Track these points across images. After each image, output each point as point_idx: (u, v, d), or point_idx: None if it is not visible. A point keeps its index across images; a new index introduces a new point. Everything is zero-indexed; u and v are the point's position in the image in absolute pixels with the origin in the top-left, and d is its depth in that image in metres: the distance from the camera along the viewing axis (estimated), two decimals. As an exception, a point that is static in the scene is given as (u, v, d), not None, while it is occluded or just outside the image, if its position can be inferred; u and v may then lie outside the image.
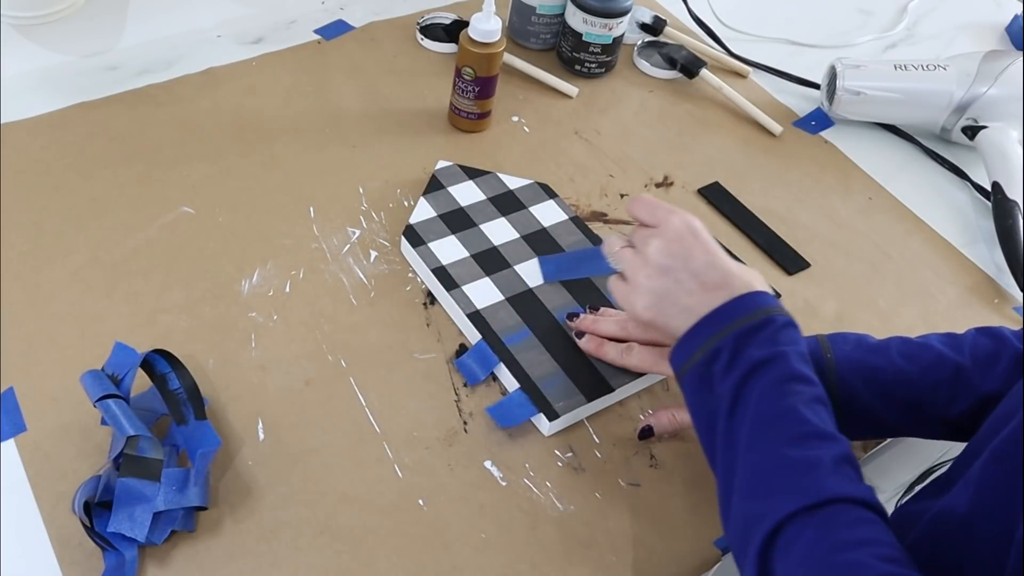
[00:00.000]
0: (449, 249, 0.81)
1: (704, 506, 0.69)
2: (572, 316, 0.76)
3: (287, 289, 0.78)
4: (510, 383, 0.73)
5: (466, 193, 0.86)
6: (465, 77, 0.90)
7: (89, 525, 0.59)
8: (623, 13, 1.00)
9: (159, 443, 0.62)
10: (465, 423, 0.71)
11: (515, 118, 0.98)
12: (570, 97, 1.02)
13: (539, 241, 0.83)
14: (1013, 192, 0.95)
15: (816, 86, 1.09)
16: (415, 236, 0.81)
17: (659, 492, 0.69)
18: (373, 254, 0.81)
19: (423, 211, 0.84)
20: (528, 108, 1.00)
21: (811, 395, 0.58)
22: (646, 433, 0.72)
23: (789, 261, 0.89)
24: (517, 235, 0.83)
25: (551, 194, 0.88)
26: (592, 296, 0.79)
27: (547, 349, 0.75)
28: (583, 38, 1.01)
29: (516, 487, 0.68)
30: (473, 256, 0.81)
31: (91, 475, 0.61)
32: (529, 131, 0.97)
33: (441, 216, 0.83)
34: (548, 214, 0.86)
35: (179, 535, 0.62)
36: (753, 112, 1.03)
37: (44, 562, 0.60)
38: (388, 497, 0.66)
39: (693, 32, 1.14)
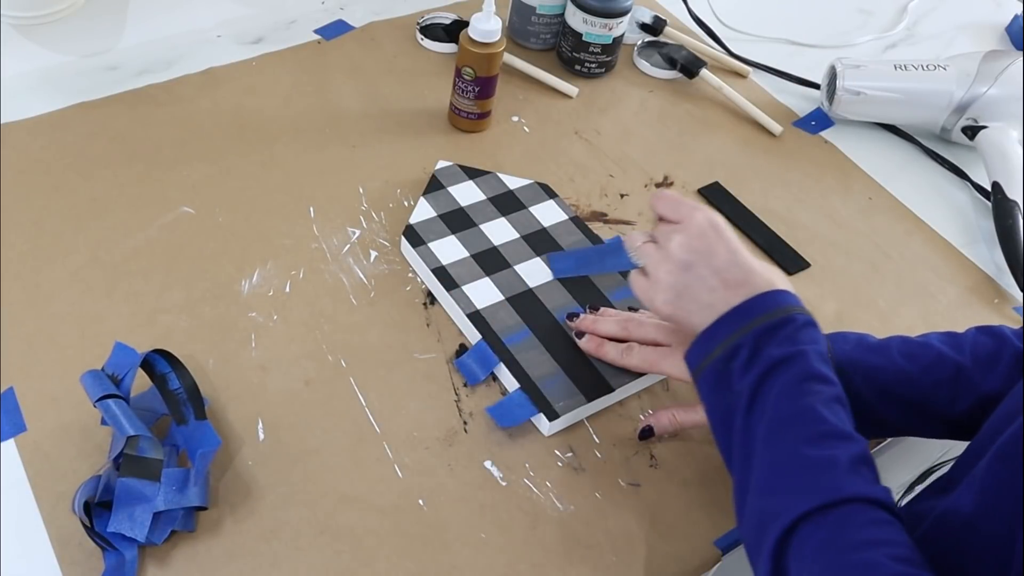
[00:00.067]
0: (449, 249, 0.81)
1: (704, 506, 0.69)
2: (572, 316, 0.76)
3: (287, 289, 0.78)
4: (510, 383, 0.73)
5: (466, 193, 0.86)
6: (465, 77, 0.90)
7: (89, 525, 0.59)
8: (623, 13, 1.00)
9: (159, 443, 0.62)
10: (465, 423, 0.71)
11: (515, 118, 0.98)
12: (570, 97, 1.02)
13: (539, 241, 0.83)
14: (1013, 192, 0.95)
15: (816, 86, 1.09)
16: (415, 236, 0.81)
17: (659, 492, 0.69)
18: (373, 254, 0.82)
19: (423, 211, 0.84)
20: (528, 108, 1.00)
21: (830, 395, 0.58)
22: (646, 434, 0.72)
23: (789, 261, 0.89)
24: (517, 235, 0.83)
25: (551, 194, 0.88)
26: (592, 296, 0.79)
27: (547, 349, 0.75)
28: (583, 38, 1.01)
29: (516, 487, 0.68)
30: (473, 256, 0.81)
31: (91, 475, 0.61)
32: (529, 131, 0.97)
33: (441, 216, 0.83)
34: (548, 214, 0.86)
35: (179, 535, 0.62)
36: (753, 112, 1.03)
37: (44, 562, 0.60)
38: (388, 497, 0.66)
39: (693, 32, 1.14)
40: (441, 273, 0.79)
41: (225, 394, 0.70)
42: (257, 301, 0.76)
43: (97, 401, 0.62)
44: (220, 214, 0.82)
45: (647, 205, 0.91)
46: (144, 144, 0.87)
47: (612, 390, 0.73)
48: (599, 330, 0.74)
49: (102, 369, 0.66)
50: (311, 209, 0.84)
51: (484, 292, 0.78)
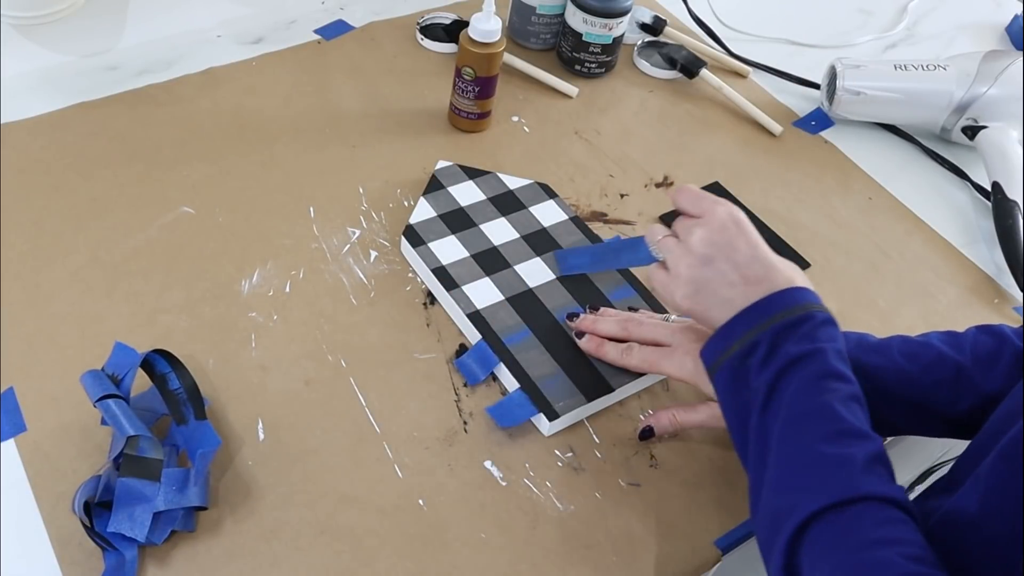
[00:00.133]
0: (449, 249, 0.81)
1: (704, 506, 0.69)
2: (572, 316, 0.76)
3: (287, 289, 0.78)
4: (510, 383, 0.73)
5: (466, 193, 0.86)
6: (465, 77, 0.90)
7: (89, 525, 0.59)
8: (623, 13, 1.00)
9: (159, 443, 0.62)
10: (465, 423, 0.71)
11: (515, 118, 0.98)
12: (570, 97, 1.02)
13: (539, 241, 0.83)
14: (1013, 192, 0.95)
15: (816, 86, 1.09)
16: (415, 236, 0.81)
17: (659, 492, 0.69)
18: (373, 254, 0.81)
19: (423, 211, 0.84)
20: (528, 108, 1.00)
21: (847, 393, 0.58)
22: (647, 434, 0.72)
23: (789, 261, 0.88)
24: (517, 235, 0.83)
25: (551, 194, 0.88)
26: (592, 296, 0.79)
27: (547, 349, 0.75)
28: (583, 38, 1.01)
29: (516, 487, 0.68)
30: (473, 256, 0.81)
31: (91, 475, 0.61)
32: (529, 131, 0.97)
33: (441, 216, 0.83)
34: (548, 214, 0.86)
35: (179, 535, 0.62)
36: (753, 112, 1.03)
37: (44, 562, 0.60)
38: (388, 497, 0.66)
39: (693, 32, 1.14)
40: (441, 273, 0.79)
41: (225, 394, 0.70)
42: (257, 301, 0.76)
43: (97, 401, 0.62)
44: (220, 214, 0.82)
45: (647, 205, 0.91)
46: (144, 144, 0.87)
47: (612, 390, 0.73)
48: (599, 330, 0.74)
49: (102, 369, 0.66)
50: (311, 209, 0.84)
51: (484, 292, 0.78)
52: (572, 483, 0.69)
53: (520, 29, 1.06)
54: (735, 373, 0.60)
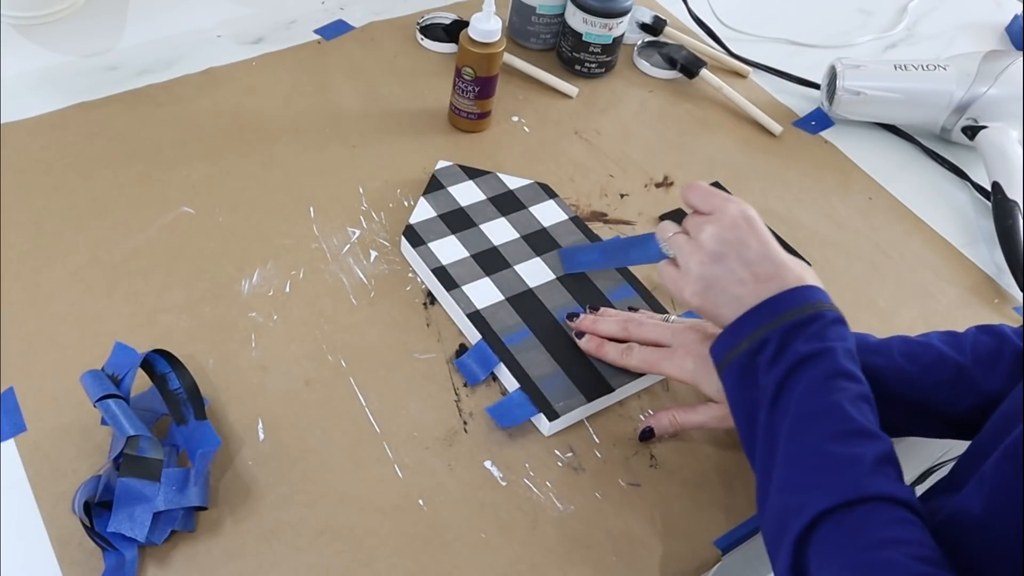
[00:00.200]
0: (449, 249, 0.81)
1: (704, 506, 0.69)
2: (572, 316, 0.76)
3: (287, 289, 0.78)
4: (510, 383, 0.73)
5: (466, 193, 0.86)
6: (465, 77, 0.90)
7: (89, 525, 0.59)
8: (623, 13, 1.00)
9: (159, 443, 0.62)
10: (465, 423, 0.71)
11: (515, 118, 0.98)
12: (570, 97, 1.02)
13: (539, 241, 0.83)
14: (1013, 192, 0.95)
15: (816, 86, 1.09)
16: (415, 236, 0.81)
17: (659, 492, 0.69)
18: (373, 254, 0.81)
19: (423, 211, 0.84)
20: (528, 108, 1.00)
21: (856, 392, 0.57)
22: (647, 434, 0.72)
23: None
24: (517, 235, 0.83)
25: (551, 194, 0.88)
26: (592, 296, 0.79)
27: (547, 349, 0.75)
28: (583, 38, 1.01)
29: (516, 487, 0.68)
30: (473, 256, 0.81)
31: (91, 475, 0.61)
32: (529, 131, 0.97)
33: (441, 216, 0.83)
34: (548, 214, 0.86)
35: (179, 535, 0.62)
36: (753, 112, 1.03)
37: (44, 562, 0.60)
38: (388, 497, 0.66)
39: (693, 32, 1.14)
40: (441, 273, 0.79)
41: (225, 394, 0.70)
42: (257, 301, 0.76)
43: (97, 401, 0.62)
44: (220, 214, 0.82)
45: (647, 205, 0.91)
46: (144, 144, 0.87)
47: (612, 390, 0.73)
48: (599, 330, 0.74)
49: (102, 369, 0.66)
50: (311, 209, 0.84)
51: (484, 292, 0.78)
52: (572, 483, 0.69)
53: (520, 29, 1.06)
54: (744, 371, 0.60)
